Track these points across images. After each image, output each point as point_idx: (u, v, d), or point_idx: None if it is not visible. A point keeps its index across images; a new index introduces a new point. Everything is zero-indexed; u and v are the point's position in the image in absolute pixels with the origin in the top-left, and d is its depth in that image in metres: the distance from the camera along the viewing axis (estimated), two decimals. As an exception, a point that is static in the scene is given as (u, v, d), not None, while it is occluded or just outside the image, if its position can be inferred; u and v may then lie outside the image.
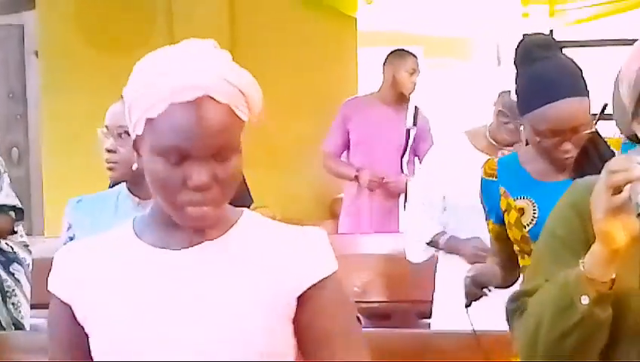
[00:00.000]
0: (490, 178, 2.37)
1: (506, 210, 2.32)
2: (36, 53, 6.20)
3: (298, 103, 5.79)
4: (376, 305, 4.02)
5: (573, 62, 2.30)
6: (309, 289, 1.48)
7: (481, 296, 2.45)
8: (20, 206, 3.65)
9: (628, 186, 1.43)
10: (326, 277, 1.49)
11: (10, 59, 6.32)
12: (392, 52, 5.12)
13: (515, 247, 2.31)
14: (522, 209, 2.28)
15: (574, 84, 2.26)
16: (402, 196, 5.04)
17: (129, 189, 2.51)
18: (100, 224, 2.37)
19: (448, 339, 2.41)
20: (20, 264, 3.66)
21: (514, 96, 2.41)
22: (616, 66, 1.90)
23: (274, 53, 6.00)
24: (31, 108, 6.30)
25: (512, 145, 3.16)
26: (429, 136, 5.11)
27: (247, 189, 3.71)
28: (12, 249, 3.65)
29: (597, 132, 2.27)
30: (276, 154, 5.96)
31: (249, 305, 1.47)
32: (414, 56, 5.11)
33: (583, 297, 1.49)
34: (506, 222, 2.31)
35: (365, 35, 6.52)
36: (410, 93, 5.07)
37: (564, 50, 2.44)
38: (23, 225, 3.75)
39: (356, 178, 5.02)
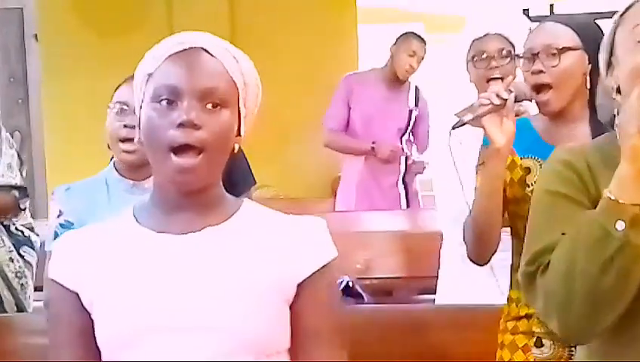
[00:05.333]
0: None
1: (508, 167, 2.31)
2: (36, 37, 6.19)
3: (299, 81, 5.79)
4: (377, 281, 4.03)
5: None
6: (309, 277, 1.51)
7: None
8: (20, 184, 3.65)
9: None
10: (325, 266, 1.53)
11: (10, 44, 6.32)
12: (401, 34, 5.04)
13: (510, 207, 2.30)
14: (528, 168, 2.28)
15: (566, 19, 2.31)
16: (401, 174, 5.04)
17: (119, 172, 2.52)
18: (94, 209, 2.40)
19: (449, 314, 2.43)
20: (31, 246, 3.68)
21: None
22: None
23: (274, 30, 6.00)
24: (32, 92, 6.31)
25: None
26: (427, 119, 5.08)
27: (250, 170, 3.73)
28: (22, 232, 3.67)
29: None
30: (278, 133, 5.96)
31: (252, 290, 1.49)
32: (421, 40, 4.99)
33: (618, 223, 1.44)
34: (508, 179, 2.30)
35: (365, 11, 6.51)
36: (405, 76, 4.98)
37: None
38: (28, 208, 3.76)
39: (372, 150, 4.93)
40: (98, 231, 1.59)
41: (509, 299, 2.31)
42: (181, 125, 1.47)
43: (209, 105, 1.49)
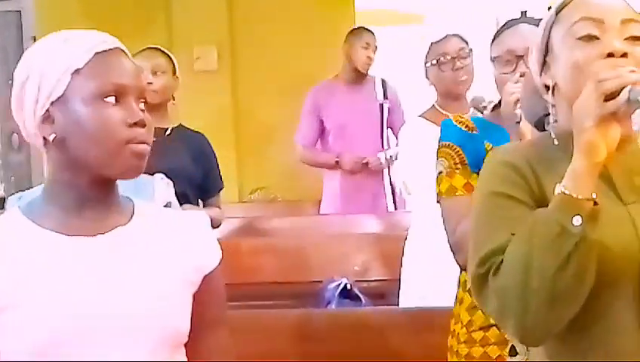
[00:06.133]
0: (472, 131, 2.28)
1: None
2: (34, 39, 6.19)
3: (297, 84, 5.79)
4: (374, 284, 4.05)
5: None
6: (214, 269, 1.59)
7: None
8: (3, 195, 3.66)
9: (626, 89, 1.44)
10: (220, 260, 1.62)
11: (8, 46, 6.32)
12: (349, 32, 5.16)
13: None
14: None
15: (537, 22, 2.30)
16: (386, 174, 5.04)
17: None
18: None
19: (447, 316, 2.43)
20: None
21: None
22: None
23: (272, 34, 6.01)
24: (30, 94, 6.31)
25: (458, 101, 3.22)
26: (400, 108, 5.12)
27: (219, 174, 3.73)
28: None
29: None
30: (275, 134, 5.97)
31: (169, 283, 1.54)
32: (371, 32, 5.13)
33: (574, 218, 1.43)
34: None
35: (363, 14, 6.51)
36: (366, 68, 5.07)
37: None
38: None
39: (337, 163, 5.00)
40: None
41: (471, 307, 2.23)
42: (135, 124, 1.49)
43: (141, 105, 1.53)
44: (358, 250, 4.18)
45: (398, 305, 3.37)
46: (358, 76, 5.10)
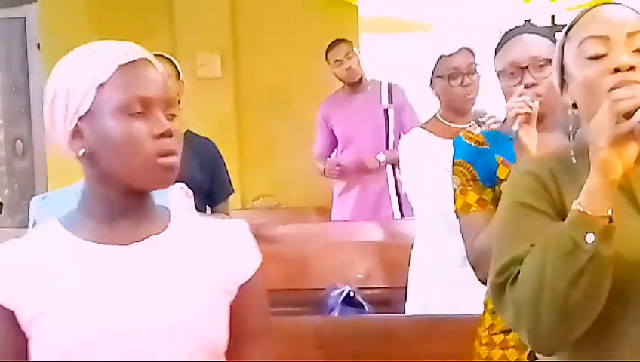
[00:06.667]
0: (482, 146, 2.30)
1: (507, 179, 2.28)
2: (38, 46, 6.21)
3: (299, 91, 5.80)
4: (377, 291, 4.04)
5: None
6: (251, 278, 1.57)
7: None
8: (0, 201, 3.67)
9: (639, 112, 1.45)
10: (259, 267, 1.60)
11: (12, 52, 6.34)
12: (325, 50, 5.20)
13: None
14: None
15: (538, 30, 2.31)
16: (392, 182, 5.06)
17: None
18: None
19: (449, 324, 2.43)
20: None
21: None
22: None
23: (275, 41, 6.02)
24: (34, 101, 6.32)
25: (463, 114, 3.20)
26: (408, 109, 5.13)
27: (229, 179, 3.71)
28: None
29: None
30: (278, 142, 5.97)
31: (204, 292, 1.53)
32: (341, 43, 5.16)
33: (587, 235, 1.45)
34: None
35: (367, 21, 6.52)
36: (351, 79, 5.13)
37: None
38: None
39: (324, 172, 5.16)
40: (30, 245, 1.54)
41: (494, 311, 2.22)
42: (162, 135, 1.49)
43: (169, 115, 1.53)
44: (361, 257, 4.18)
45: (402, 313, 3.36)
46: (354, 86, 5.16)
